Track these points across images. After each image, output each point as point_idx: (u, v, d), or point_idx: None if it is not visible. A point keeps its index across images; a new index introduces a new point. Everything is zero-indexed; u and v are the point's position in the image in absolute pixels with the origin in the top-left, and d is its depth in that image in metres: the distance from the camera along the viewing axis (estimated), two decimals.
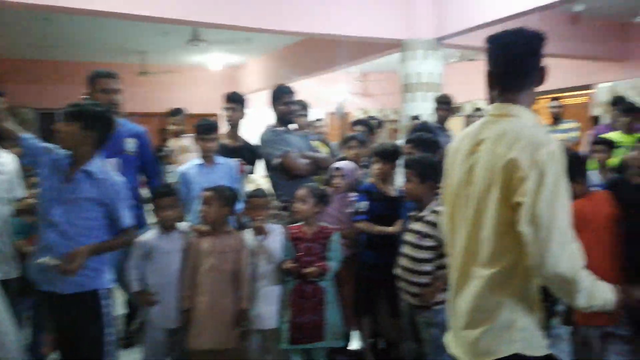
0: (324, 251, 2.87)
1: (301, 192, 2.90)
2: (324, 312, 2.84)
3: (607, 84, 7.89)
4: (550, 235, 1.32)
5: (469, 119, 6.31)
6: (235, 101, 3.69)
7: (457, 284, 1.57)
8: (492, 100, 1.56)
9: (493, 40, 1.52)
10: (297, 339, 2.81)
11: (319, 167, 3.50)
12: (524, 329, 1.45)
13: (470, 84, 9.57)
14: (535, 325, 1.48)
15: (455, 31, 5.67)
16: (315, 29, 5.61)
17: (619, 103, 4.71)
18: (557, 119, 5.31)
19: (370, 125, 4.34)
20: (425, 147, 2.94)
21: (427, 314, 2.59)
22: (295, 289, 2.84)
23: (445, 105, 4.85)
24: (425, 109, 5.70)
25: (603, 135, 4.34)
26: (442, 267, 2.54)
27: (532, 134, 1.41)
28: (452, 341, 1.62)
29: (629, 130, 4.35)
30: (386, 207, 3.00)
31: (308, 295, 2.83)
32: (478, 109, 6.46)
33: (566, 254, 1.32)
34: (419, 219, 2.61)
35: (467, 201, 1.52)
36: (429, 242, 2.54)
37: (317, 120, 5.48)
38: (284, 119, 3.56)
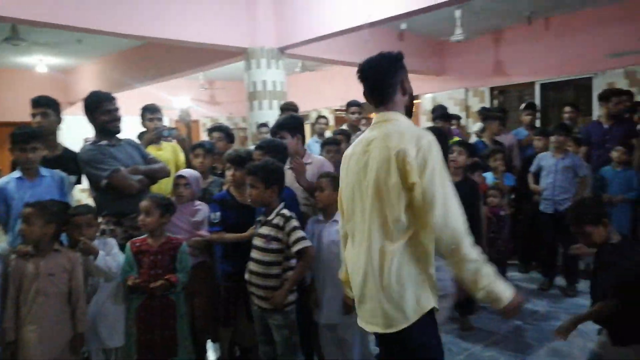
0: (171, 263, 2.75)
1: (145, 203, 2.75)
2: (174, 326, 2.72)
3: (429, 94, 8.92)
4: (446, 204, 1.69)
5: (315, 126, 6.59)
6: (46, 105, 3.23)
7: (368, 268, 1.80)
8: (374, 111, 1.91)
9: (361, 67, 1.90)
10: (146, 357, 2.65)
11: (154, 179, 3.21)
12: (428, 298, 1.78)
13: (314, 92, 10.12)
14: None
15: (296, 42, 5.89)
16: (154, 33, 5.35)
17: (436, 111, 5.34)
18: None
19: (228, 133, 4.25)
20: (276, 153, 2.94)
21: (278, 316, 2.63)
22: (143, 304, 2.68)
23: (290, 113, 4.99)
24: (271, 117, 5.81)
25: None
26: (289, 268, 2.61)
27: (413, 130, 1.79)
28: (365, 323, 1.85)
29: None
30: (241, 215, 2.94)
31: (156, 311, 2.69)
32: (322, 117, 6.78)
33: (458, 214, 1.71)
34: (266, 223, 2.64)
35: (366, 192, 1.82)
36: (275, 245, 2.59)
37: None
38: (106, 130, 3.10)
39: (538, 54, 7.43)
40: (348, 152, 1.98)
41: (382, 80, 1.85)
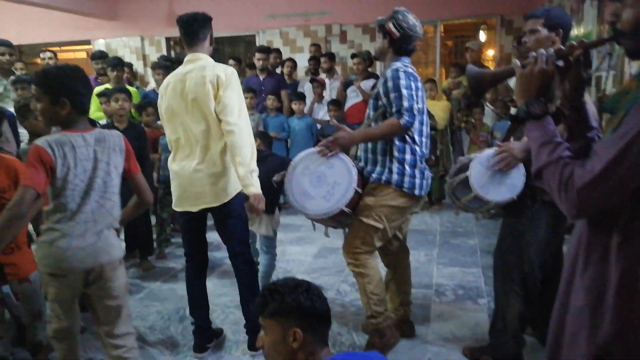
0: None
1: None
2: None
3: (102, 40, 8.36)
4: (238, 115, 2.35)
5: None
6: None
7: (197, 159, 2.43)
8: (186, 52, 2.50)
9: (181, 17, 2.44)
10: None
11: None
12: (237, 182, 2.45)
13: None
14: None
15: None
16: None
17: (100, 57, 5.12)
18: None
19: None
20: None
21: None
22: None
23: None
24: None
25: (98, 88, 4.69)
26: None
27: (219, 65, 2.43)
28: (197, 205, 2.49)
29: (117, 82, 4.85)
30: None
31: None
32: None
33: (246, 124, 2.39)
34: None
35: (185, 110, 2.40)
36: None
37: None
38: None
39: (208, 8, 7.67)
40: (164, 84, 2.49)
41: (196, 29, 2.43)
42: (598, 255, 1.12)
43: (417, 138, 2.42)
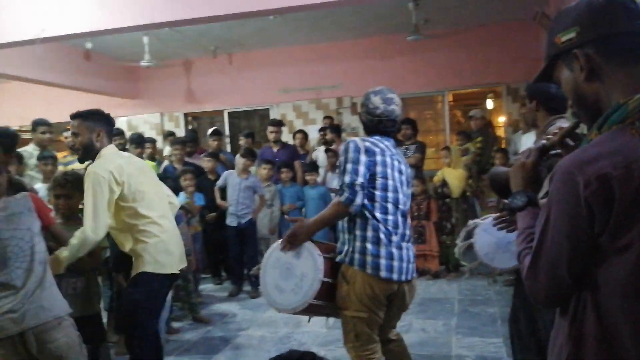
0: None
1: None
2: None
3: (124, 117, 8.75)
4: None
5: None
6: None
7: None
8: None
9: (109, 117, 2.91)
10: None
11: None
12: None
13: None
14: None
15: None
16: None
17: (117, 134, 5.37)
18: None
19: None
20: None
21: None
22: None
23: None
24: None
25: None
26: None
27: None
28: (181, 263, 2.82)
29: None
30: None
31: None
32: None
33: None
34: None
35: (155, 184, 2.92)
36: None
37: None
38: None
39: (224, 84, 8.19)
40: (125, 167, 2.62)
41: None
42: (560, 342, 1.07)
43: (378, 215, 2.24)
